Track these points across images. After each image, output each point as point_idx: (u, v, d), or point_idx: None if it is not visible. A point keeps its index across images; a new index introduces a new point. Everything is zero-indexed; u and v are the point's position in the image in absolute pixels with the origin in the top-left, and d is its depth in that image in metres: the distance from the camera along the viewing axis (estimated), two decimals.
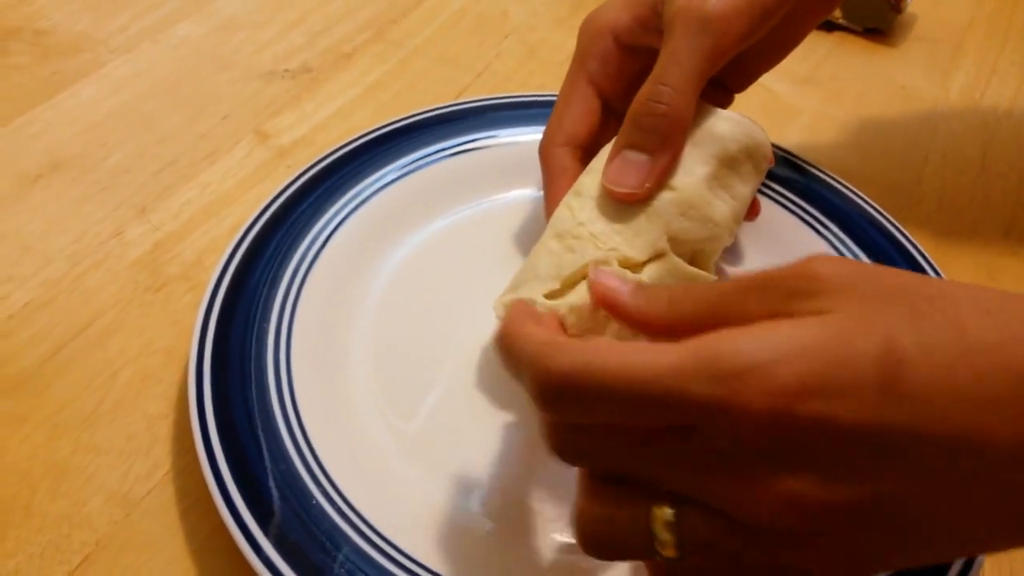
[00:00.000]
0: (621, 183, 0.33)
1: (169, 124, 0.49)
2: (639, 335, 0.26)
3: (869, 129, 0.53)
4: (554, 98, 0.47)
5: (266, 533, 0.29)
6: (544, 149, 0.39)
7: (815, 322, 0.22)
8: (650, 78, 0.34)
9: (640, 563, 0.31)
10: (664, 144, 0.33)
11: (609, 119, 0.39)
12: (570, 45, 0.57)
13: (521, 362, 0.25)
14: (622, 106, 0.37)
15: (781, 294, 0.23)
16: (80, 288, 0.40)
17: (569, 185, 0.36)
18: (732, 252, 0.42)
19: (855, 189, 0.44)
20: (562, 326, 0.30)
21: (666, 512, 0.23)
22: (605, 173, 0.34)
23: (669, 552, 0.23)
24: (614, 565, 0.32)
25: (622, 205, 0.33)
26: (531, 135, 0.45)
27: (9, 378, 0.37)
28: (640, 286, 0.26)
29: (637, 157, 0.33)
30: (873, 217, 0.43)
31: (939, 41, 0.61)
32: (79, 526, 0.32)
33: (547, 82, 0.54)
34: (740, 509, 0.22)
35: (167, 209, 0.44)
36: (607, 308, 0.27)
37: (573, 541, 0.32)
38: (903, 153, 0.52)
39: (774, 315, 0.23)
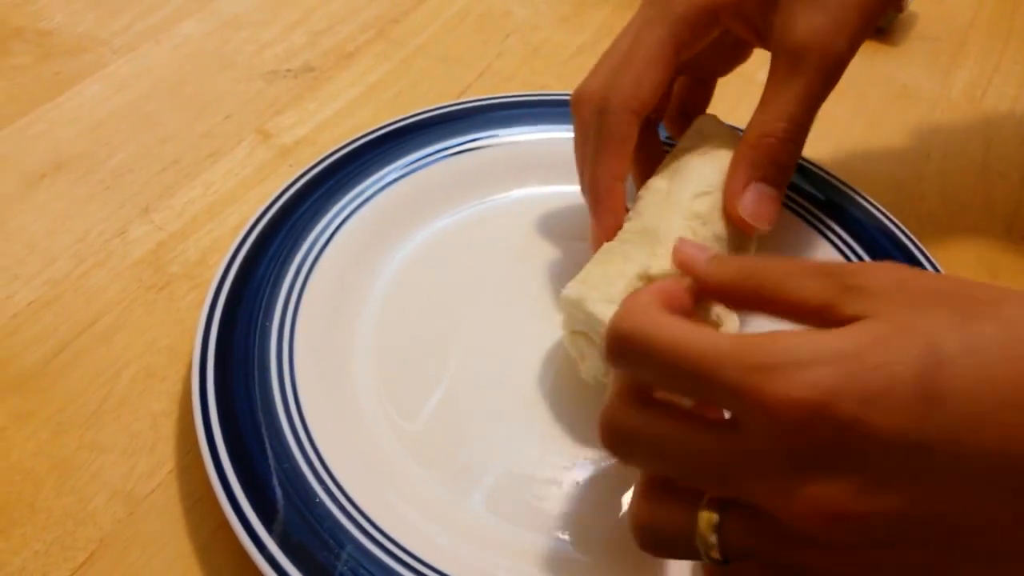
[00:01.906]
0: (762, 218, 0.34)
1: (172, 124, 0.50)
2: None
3: (870, 128, 0.53)
4: (557, 97, 0.47)
5: (270, 531, 0.30)
6: (615, 110, 0.35)
7: (856, 328, 0.22)
8: (779, 112, 0.34)
9: (650, 564, 0.32)
10: (789, 176, 0.35)
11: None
12: (573, 44, 0.57)
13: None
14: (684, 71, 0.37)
15: (838, 287, 0.23)
16: (84, 287, 0.41)
17: (626, 155, 0.35)
18: None
19: (856, 188, 0.44)
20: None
21: (711, 517, 0.24)
22: (740, 204, 0.34)
23: (715, 555, 0.24)
24: (618, 567, 0.32)
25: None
26: (533, 135, 0.46)
27: (14, 376, 0.37)
28: (717, 255, 0.27)
29: (771, 192, 0.34)
30: (874, 215, 0.43)
31: (941, 40, 0.61)
32: (83, 523, 0.32)
33: (549, 82, 0.54)
34: (779, 512, 0.22)
35: (170, 208, 0.45)
36: (683, 269, 0.28)
37: (577, 540, 0.32)
38: (904, 152, 0.52)
39: (827, 305, 0.23)
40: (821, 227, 0.42)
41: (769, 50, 0.35)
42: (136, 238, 0.43)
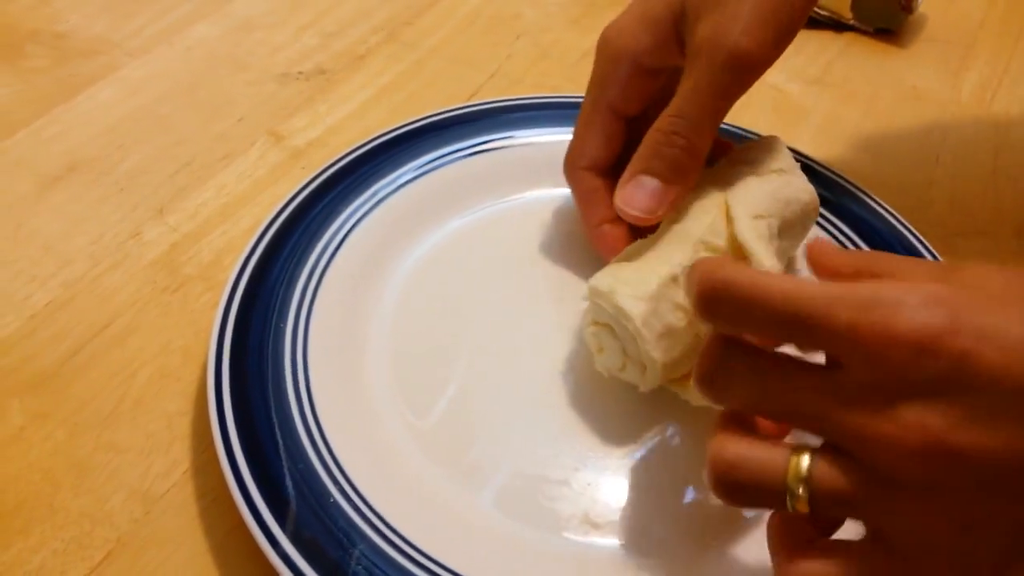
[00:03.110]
0: (633, 205, 0.35)
1: (185, 126, 0.50)
2: None
3: (880, 130, 0.53)
4: (567, 99, 0.48)
5: (284, 530, 0.30)
6: (569, 172, 0.40)
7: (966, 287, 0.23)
8: (670, 108, 0.35)
9: (662, 564, 0.32)
10: (678, 174, 0.35)
11: (633, 132, 0.39)
12: (583, 45, 0.58)
13: (695, 271, 0.26)
14: (644, 121, 0.37)
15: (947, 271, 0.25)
16: (99, 288, 0.41)
17: (601, 203, 0.38)
18: None
19: (866, 190, 0.44)
20: None
21: (802, 461, 0.24)
22: (618, 194, 0.36)
23: (801, 507, 0.24)
24: (629, 562, 0.32)
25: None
26: (545, 136, 0.46)
27: (31, 377, 0.37)
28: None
29: (651, 183, 0.35)
30: (884, 218, 0.43)
31: (950, 42, 0.61)
32: (101, 523, 0.33)
33: (560, 83, 0.55)
34: (877, 448, 0.22)
35: (184, 210, 0.45)
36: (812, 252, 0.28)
37: (587, 540, 0.32)
38: (914, 154, 0.52)
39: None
40: (832, 228, 0.43)
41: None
42: (150, 240, 0.43)
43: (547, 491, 0.34)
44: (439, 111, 0.47)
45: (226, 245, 0.43)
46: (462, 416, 0.36)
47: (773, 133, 0.45)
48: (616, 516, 0.33)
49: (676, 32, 0.36)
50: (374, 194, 0.42)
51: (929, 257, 0.41)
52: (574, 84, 0.54)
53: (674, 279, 0.34)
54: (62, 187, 0.46)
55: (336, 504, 0.31)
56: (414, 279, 0.41)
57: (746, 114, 0.49)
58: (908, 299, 0.22)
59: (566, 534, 0.33)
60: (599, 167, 0.39)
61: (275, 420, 0.33)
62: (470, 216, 0.44)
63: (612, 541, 0.33)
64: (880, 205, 0.43)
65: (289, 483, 0.31)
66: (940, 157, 0.52)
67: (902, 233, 0.42)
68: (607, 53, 0.38)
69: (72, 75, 0.53)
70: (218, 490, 0.33)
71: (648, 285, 0.33)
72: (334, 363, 0.36)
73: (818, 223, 0.43)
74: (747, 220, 0.35)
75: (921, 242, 0.41)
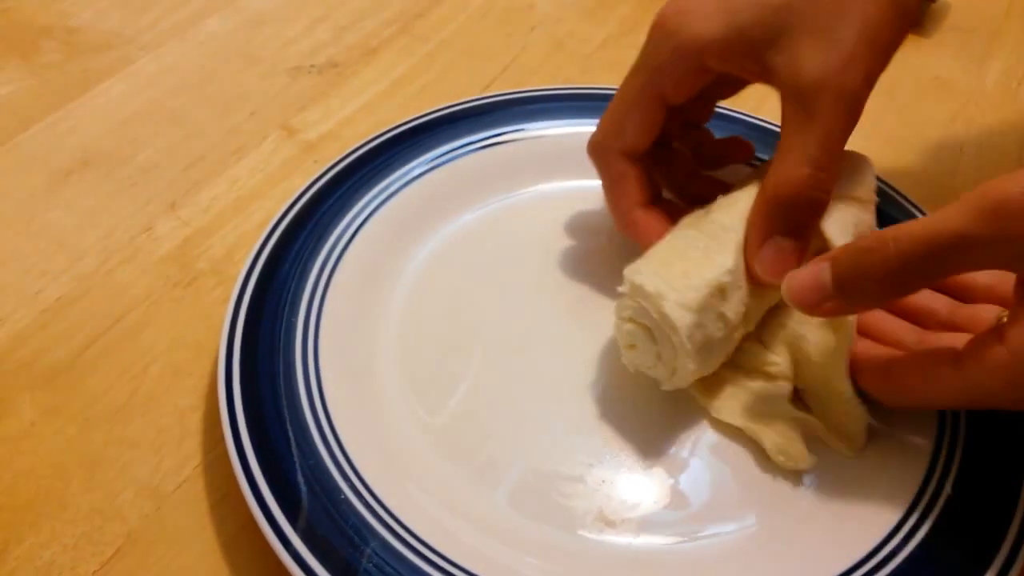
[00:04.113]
0: (777, 273, 0.32)
1: (197, 120, 0.50)
2: None
3: (902, 122, 0.52)
4: (583, 91, 0.47)
5: (295, 528, 0.30)
6: (601, 153, 0.37)
7: None
8: (796, 155, 0.31)
9: (672, 562, 0.31)
10: (813, 227, 0.33)
11: (670, 120, 0.37)
12: (598, 37, 0.57)
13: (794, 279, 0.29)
14: (686, 109, 0.37)
15: None
16: (111, 283, 0.41)
17: (633, 188, 0.37)
18: None
19: (888, 182, 0.43)
20: None
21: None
22: (759, 260, 0.33)
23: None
24: (643, 561, 0.31)
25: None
26: (559, 128, 0.45)
27: (43, 371, 0.37)
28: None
29: (789, 245, 0.32)
30: (908, 211, 0.42)
31: (974, 30, 0.59)
32: (111, 518, 0.32)
33: (574, 75, 0.54)
34: None
35: (196, 204, 0.45)
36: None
37: (601, 538, 0.32)
38: (937, 146, 0.51)
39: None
40: None
41: (776, 89, 0.33)
42: (162, 234, 0.43)
43: (561, 488, 0.33)
44: (451, 104, 0.46)
45: (238, 239, 0.43)
46: (475, 412, 0.35)
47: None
48: (631, 514, 0.33)
49: (756, 52, 0.32)
50: (386, 188, 0.42)
51: None
52: (588, 76, 0.53)
53: (721, 289, 0.32)
54: (75, 182, 0.46)
55: (347, 501, 0.31)
56: (426, 273, 0.40)
57: (765, 107, 0.49)
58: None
59: (580, 532, 0.32)
60: (634, 153, 0.37)
61: (286, 416, 0.33)
62: (483, 209, 0.43)
63: (627, 539, 0.32)
64: (902, 196, 0.42)
65: (300, 480, 0.31)
66: (964, 147, 0.51)
67: None
68: (670, 42, 0.34)
69: (85, 70, 0.53)
70: (229, 486, 0.33)
71: (696, 293, 0.32)
72: (345, 358, 0.36)
73: None
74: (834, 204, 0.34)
75: None
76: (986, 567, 0.30)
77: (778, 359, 0.35)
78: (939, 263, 0.27)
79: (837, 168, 0.33)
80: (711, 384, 0.35)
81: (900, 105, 0.53)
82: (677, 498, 0.33)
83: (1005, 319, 0.28)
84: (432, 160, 0.43)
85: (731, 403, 0.35)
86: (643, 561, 0.31)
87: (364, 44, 0.56)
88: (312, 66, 0.54)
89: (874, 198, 0.37)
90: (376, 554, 0.30)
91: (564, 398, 0.36)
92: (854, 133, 0.51)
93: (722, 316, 0.33)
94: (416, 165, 0.43)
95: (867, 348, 0.33)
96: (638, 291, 0.32)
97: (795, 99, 0.32)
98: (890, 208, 0.42)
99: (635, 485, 0.33)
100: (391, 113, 0.50)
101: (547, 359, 0.37)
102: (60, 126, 0.49)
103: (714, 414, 0.35)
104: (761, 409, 0.34)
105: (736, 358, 0.36)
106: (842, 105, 0.31)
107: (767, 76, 0.33)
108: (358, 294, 0.38)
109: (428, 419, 0.35)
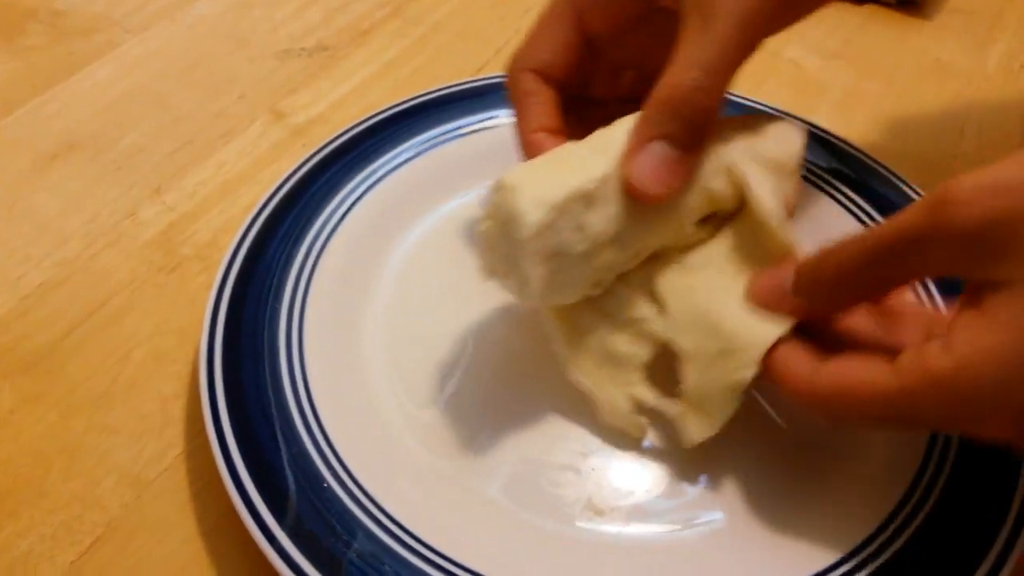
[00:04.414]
0: (649, 179, 0.29)
1: (184, 104, 0.49)
2: None
3: (902, 105, 0.51)
4: None
5: (276, 517, 0.29)
6: (512, 70, 0.35)
7: None
8: (683, 59, 0.30)
9: (665, 549, 0.31)
10: (697, 139, 0.30)
11: (590, 60, 0.35)
12: None
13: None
14: (606, 50, 0.35)
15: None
16: (94, 268, 0.40)
17: (541, 109, 0.34)
18: None
19: (887, 166, 0.42)
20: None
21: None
22: (627, 164, 0.30)
23: None
24: (633, 549, 0.31)
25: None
26: None
27: (24, 358, 0.36)
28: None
29: (668, 151, 0.30)
30: (907, 195, 0.41)
31: (976, 12, 0.58)
32: (91, 507, 0.32)
33: None
34: None
35: (181, 189, 0.44)
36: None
37: (591, 527, 0.31)
38: (938, 129, 0.50)
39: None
40: (852, 206, 0.41)
41: (680, 11, 0.31)
42: (147, 219, 0.42)
43: (551, 476, 0.33)
44: (442, 87, 0.45)
45: (224, 224, 0.42)
46: (462, 400, 0.35)
47: (791, 111, 0.44)
48: (621, 502, 0.32)
49: None
50: (375, 171, 0.41)
51: None
52: None
53: (585, 196, 0.29)
54: (59, 166, 0.45)
55: (331, 490, 0.30)
56: (416, 259, 0.39)
57: (762, 90, 0.48)
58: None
59: (569, 520, 0.32)
60: (546, 74, 0.35)
61: (270, 403, 0.32)
62: (473, 195, 0.42)
63: (616, 528, 0.31)
64: (902, 181, 0.41)
65: (283, 469, 0.30)
66: (965, 131, 0.50)
67: None
68: None
69: (71, 53, 0.52)
70: (211, 475, 0.32)
71: (555, 191, 0.28)
72: (331, 346, 0.35)
73: (839, 201, 0.41)
74: (746, 161, 0.31)
75: None
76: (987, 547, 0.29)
77: (651, 312, 0.32)
78: (894, 262, 0.26)
79: (726, 79, 0.30)
80: (574, 332, 0.33)
81: (900, 88, 0.52)
82: (669, 487, 0.33)
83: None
84: (422, 144, 0.43)
85: (586, 360, 0.32)
86: (632, 550, 0.31)
87: (355, 26, 0.55)
88: (302, 49, 0.53)
89: (798, 169, 0.34)
90: (360, 544, 0.29)
91: (554, 385, 0.35)
92: (852, 114, 0.50)
93: (583, 228, 0.29)
94: (406, 148, 0.42)
95: (793, 348, 0.29)
96: (499, 185, 0.29)
97: (694, 9, 0.30)
98: (889, 192, 0.41)
99: (626, 474, 0.33)
100: (382, 96, 0.49)
101: (538, 346, 0.36)
102: (45, 109, 0.48)
103: (567, 373, 0.33)
104: (612, 374, 0.32)
105: (607, 304, 0.33)
106: (739, 14, 0.30)
107: None
108: (345, 281, 0.37)
109: (415, 407, 0.34)
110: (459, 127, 0.43)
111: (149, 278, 0.40)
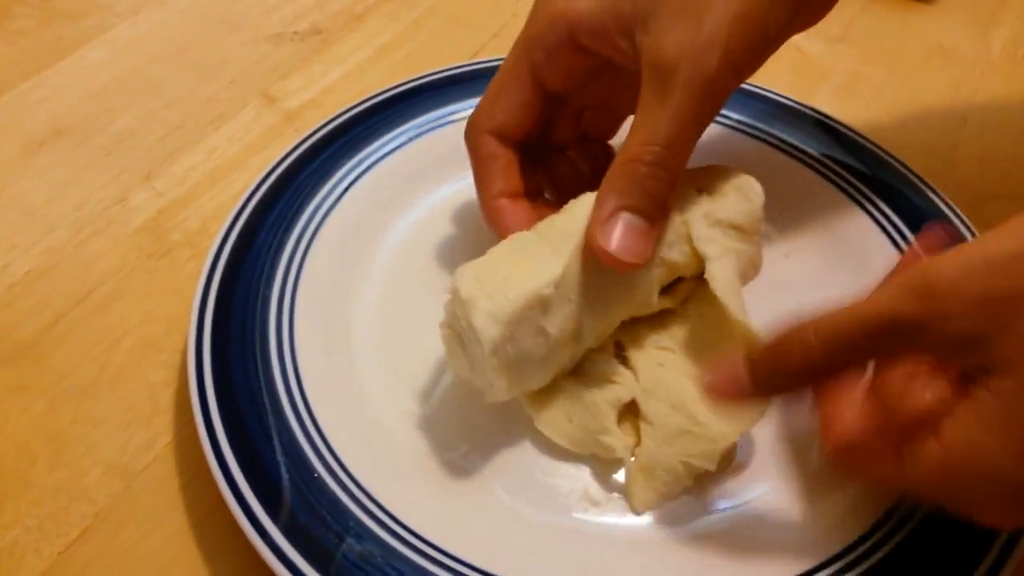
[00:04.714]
0: (624, 249, 0.30)
1: (175, 88, 0.48)
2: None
3: (905, 90, 0.51)
4: None
5: (267, 509, 0.28)
6: (470, 132, 0.35)
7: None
8: (644, 135, 0.30)
9: (658, 538, 0.30)
10: (661, 211, 0.31)
11: (549, 111, 0.35)
12: None
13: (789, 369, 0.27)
14: (566, 99, 0.35)
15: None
16: (82, 255, 0.39)
17: (501, 173, 0.34)
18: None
19: (890, 152, 0.42)
20: None
21: None
22: (598, 232, 0.30)
23: None
24: (627, 539, 0.30)
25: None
26: None
27: (10, 347, 0.36)
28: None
29: (638, 222, 0.30)
30: (910, 181, 0.40)
31: None
32: (77, 498, 0.31)
33: None
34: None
35: (171, 175, 0.43)
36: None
37: (586, 517, 0.31)
38: (941, 115, 0.49)
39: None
40: (854, 192, 0.40)
41: (640, 70, 0.31)
42: (136, 205, 0.42)
43: (545, 467, 0.32)
44: (436, 71, 0.44)
45: (214, 211, 0.41)
46: (454, 389, 0.34)
47: (792, 96, 0.43)
48: (616, 493, 0.31)
49: (627, 29, 0.31)
50: (368, 156, 0.40)
51: (957, 221, 0.38)
52: None
53: (542, 301, 0.29)
54: (47, 151, 0.44)
55: (321, 481, 0.30)
56: (408, 246, 0.39)
57: (763, 74, 0.46)
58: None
59: (565, 510, 0.31)
60: (505, 135, 0.35)
61: (260, 392, 0.32)
62: (466, 180, 0.41)
63: (611, 519, 0.31)
64: (905, 167, 0.41)
65: (272, 458, 0.30)
66: (968, 117, 0.49)
67: (929, 197, 0.39)
68: (544, 12, 0.33)
69: (60, 37, 0.51)
70: (200, 465, 0.32)
71: (510, 305, 0.29)
72: (323, 333, 0.34)
73: (840, 187, 0.40)
74: (705, 228, 0.32)
75: (949, 207, 0.39)
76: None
77: (627, 377, 0.32)
78: (865, 349, 0.25)
79: (687, 150, 0.31)
80: (544, 394, 0.33)
81: (902, 73, 0.52)
82: None
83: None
84: (416, 129, 0.42)
85: (557, 415, 0.32)
86: (627, 540, 0.30)
87: (349, 10, 0.54)
88: (295, 33, 0.52)
89: (760, 229, 0.33)
90: (352, 535, 0.28)
91: None
92: (853, 99, 0.49)
93: (542, 331, 0.29)
94: (399, 133, 0.41)
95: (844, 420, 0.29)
96: (455, 295, 0.30)
97: (652, 76, 0.30)
98: (892, 179, 0.40)
99: (618, 463, 0.32)
100: (376, 81, 0.49)
101: None
102: (33, 95, 0.47)
103: (538, 426, 0.32)
104: (585, 423, 0.32)
105: (583, 369, 0.33)
106: (696, 84, 0.29)
107: (636, 57, 0.31)
108: (337, 267, 0.37)
109: (407, 396, 0.34)
110: (455, 112, 0.43)
111: (138, 265, 0.39)
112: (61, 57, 0.50)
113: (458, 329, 0.30)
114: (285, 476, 0.29)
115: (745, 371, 0.27)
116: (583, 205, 0.31)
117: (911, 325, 0.24)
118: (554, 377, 0.32)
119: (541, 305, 0.29)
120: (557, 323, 0.30)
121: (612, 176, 0.30)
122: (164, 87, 0.48)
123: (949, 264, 0.24)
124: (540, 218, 0.33)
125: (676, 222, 0.32)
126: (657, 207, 0.31)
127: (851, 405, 0.28)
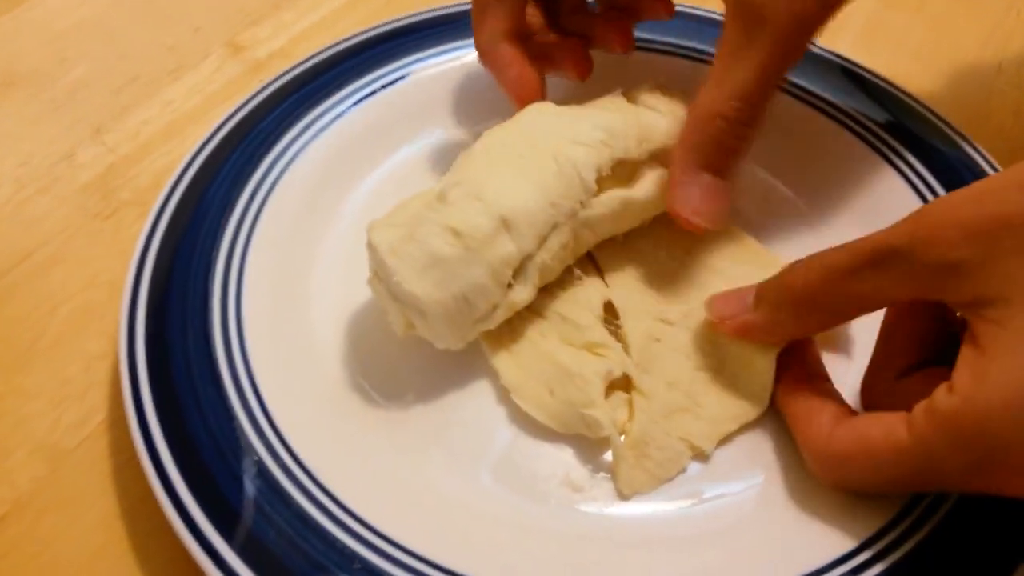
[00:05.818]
0: (702, 213, 0.29)
1: (135, 37, 0.44)
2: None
3: (933, 36, 0.46)
4: None
5: (197, 499, 0.25)
6: (483, 54, 0.34)
7: None
8: (736, 87, 0.28)
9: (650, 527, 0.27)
10: (737, 168, 0.30)
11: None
12: None
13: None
14: None
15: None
16: (23, 214, 0.36)
17: (501, 15, 0.32)
18: (775, 170, 0.36)
19: (920, 99, 0.37)
20: None
21: None
22: (687, 201, 0.29)
23: None
24: (608, 526, 0.27)
25: None
26: None
27: None
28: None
29: (719, 185, 0.29)
30: (941, 131, 0.36)
31: None
32: None
33: None
34: None
35: (124, 129, 0.40)
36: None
37: (568, 503, 0.27)
38: (973, 62, 0.45)
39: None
40: (879, 143, 0.36)
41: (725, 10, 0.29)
42: (84, 162, 0.38)
43: (525, 449, 0.29)
44: (411, 14, 0.40)
45: (167, 167, 0.38)
46: (420, 365, 0.30)
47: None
48: (598, 478, 0.28)
49: None
50: (330, 108, 0.37)
51: (991, 172, 0.34)
52: None
53: (440, 196, 0.27)
54: None
55: (262, 464, 0.26)
56: (373, 207, 0.34)
57: None
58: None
59: (545, 497, 0.28)
60: (518, 35, 0.33)
61: (196, 367, 0.28)
62: (441, 132, 0.37)
63: (593, 507, 0.27)
64: (937, 117, 0.36)
65: (207, 444, 0.26)
66: (1002, 64, 0.45)
67: (962, 147, 0.35)
68: None
69: None
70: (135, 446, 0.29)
71: (398, 209, 0.27)
72: (274, 302, 0.31)
73: (865, 140, 0.36)
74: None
75: (983, 156, 0.35)
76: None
77: (617, 350, 0.29)
78: (859, 277, 0.24)
79: (768, 101, 0.29)
80: (523, 361, 0.30)
81: (930, 17, 0.47)
82: None
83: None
84: (387, 75, 0.38)
85: (538, 387, 0.29)
86: (608, 527, 0.27)
87: None
88: None
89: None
90: (291, 524, 0.25)
91: None
92: (878, 47, 0.45)
93: (451, 228, 0.27)
94: (367, 82, 0.38)
95: (817, 410, 0.27)
96: (368, 246, 0.28)
97: (739, 18, 0.28)
98: (919, 127, 0.36)
99: (603, 449, 0.29)
100: (350, 29, 0.44)
101: None
102: None
103: (516, 400, 0.29)
104: (569, 396, 0.29)
105: (567, 335, 0.30)
106: (790, 32, 0.28)
107: None
108: (293, 229, 0.33)
109: (366, 373, 0.30)
110: (431, 55, 0.39)
111: (83, 226, 0.36)
112: (15, 4, 0.46)
113: (376, 274, 0.28)
114: (220, 461, 0.26)
115: (751, 294, 0.27)
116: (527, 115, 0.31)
117: (900, 251, 0.23)
118: (521, 323, 0.30)
119: (437, 199, 0.28)
120: (466, 220, 0.27)
121: (693, 132, 0.29)
122: (123, 35, 0.45)
123: (947, 196, 0.23)
124: (533, 58, 0.33)
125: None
126: (735, 166, 0.30)
127: (825, 416, 0.26)
